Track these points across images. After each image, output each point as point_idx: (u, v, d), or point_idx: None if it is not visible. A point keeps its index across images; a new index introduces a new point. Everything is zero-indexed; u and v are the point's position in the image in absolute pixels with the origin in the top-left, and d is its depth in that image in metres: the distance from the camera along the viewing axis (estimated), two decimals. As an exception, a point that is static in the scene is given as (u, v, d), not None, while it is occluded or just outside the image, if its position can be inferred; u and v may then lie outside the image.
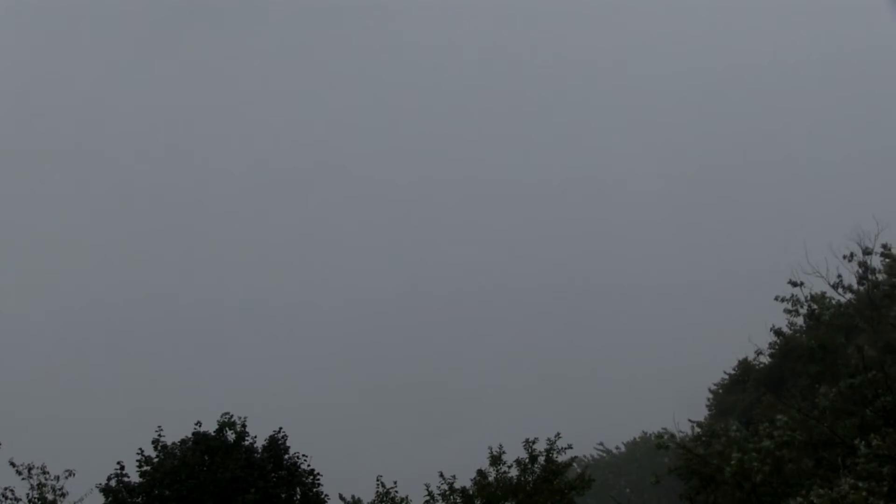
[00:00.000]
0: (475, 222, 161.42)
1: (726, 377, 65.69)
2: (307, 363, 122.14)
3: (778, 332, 40.58)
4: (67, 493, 35.08)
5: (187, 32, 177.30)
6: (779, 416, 32.77)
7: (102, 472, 36.57)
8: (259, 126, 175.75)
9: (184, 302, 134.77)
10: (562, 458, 36.87)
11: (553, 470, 36.58)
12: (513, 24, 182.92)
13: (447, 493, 37.08)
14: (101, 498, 35.87)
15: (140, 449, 36.57)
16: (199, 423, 37.61)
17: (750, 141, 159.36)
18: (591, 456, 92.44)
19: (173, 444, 37.05)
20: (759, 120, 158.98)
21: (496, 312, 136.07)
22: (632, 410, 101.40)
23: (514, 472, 36.97)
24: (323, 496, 37.97)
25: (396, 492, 37.73)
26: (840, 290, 41.05)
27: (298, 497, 37.24)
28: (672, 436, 43.44)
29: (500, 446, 37.50)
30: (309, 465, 38.06)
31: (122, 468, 36.24)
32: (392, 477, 37.93)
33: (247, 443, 37.63)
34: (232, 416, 37.90)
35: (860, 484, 27.79)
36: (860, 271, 43.63)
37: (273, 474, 37.20)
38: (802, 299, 40.16)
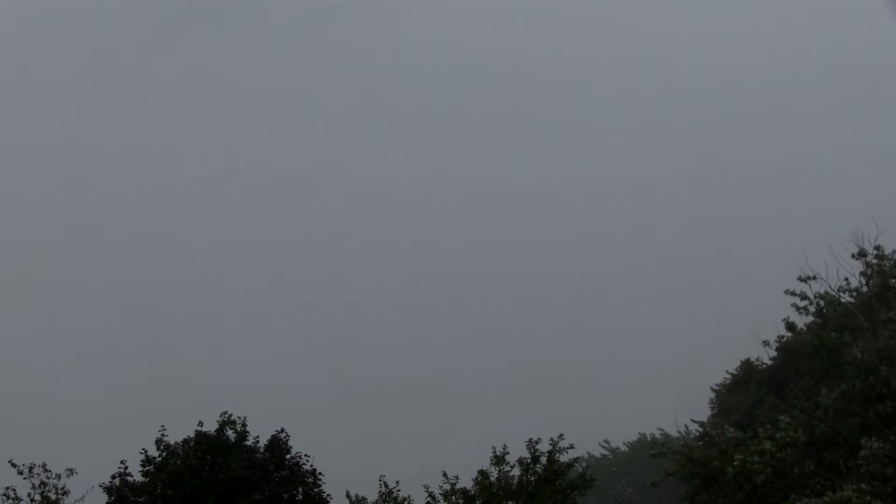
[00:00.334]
0: (475, 222, 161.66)
1: (728, 377, 65.78)
2: (307, 363, 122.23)
3: (790, 326, 40.45)
4: (69, 491, 35.12)
5: (187, 32, 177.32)
6: (781, 417, 32.71)
7: (102, 470, 36.70)
8: (259, 126, 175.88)
9: (184, 302, 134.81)
10: (564, 458, 36.89)
11: (555, 470, 36.61)
12: (513, 24, 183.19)
13: (448, 493, 37.10)
14: (102, 497, 35.92)
15: (143, 449, 36.64)
16: (200, 423, 37.66)
17: (750, 141, 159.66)
18: (596, 455, 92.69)
19: (176, 443, 37.08)
20: (759, 120, 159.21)
21: (496, 312, 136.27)
22: (632, 410, 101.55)
23: (516, 472, 37.02)
24: (325, 496, 38.00)
25: (399, 491, 37.78)
26: (844, 293, 40.96)
27: (300, 497, 37.26)
28: (664, 444, 43.30)
29: (504, 447, 37.54)
30: (311, 465, 38.12)
31: (126, 467, 36.30)
32: (392, 477, 38.00)
33: (249, 443, 37.66)
34: (231, 415, 37.97)
35: (863, 486, 27.75)
36: (863, 272, 43.58)
37: (275, 474, 37.23)
38: (812, 296, 40.06)
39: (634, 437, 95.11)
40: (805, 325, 44.71)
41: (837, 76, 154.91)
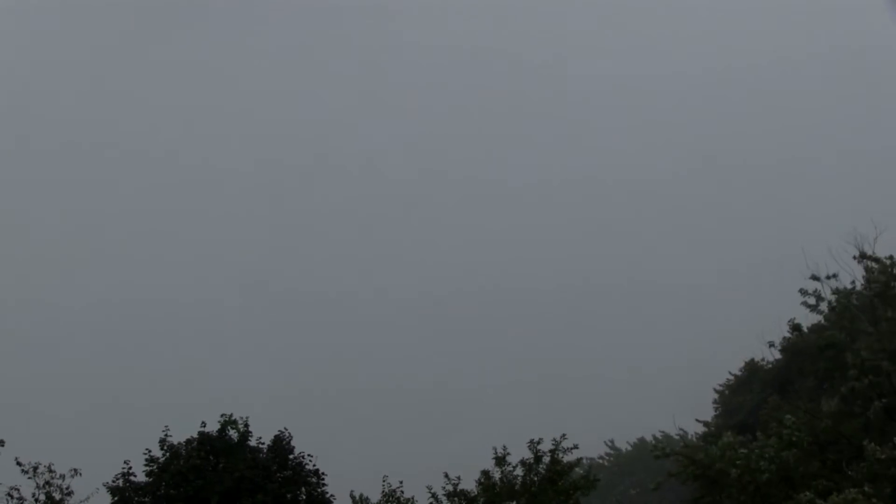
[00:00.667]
0: (475, 222, 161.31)
1: (731, 378, 65.84)
2: (307, 363, 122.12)
3: (795, 327, 40.42)
4: (73, 492, 35.12)
5: (187, 32, 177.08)
6: (787, 416, 32.79)
7: (101, 470, 36.67)
8: (258, 126, 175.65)
9: (184, 302, 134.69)
10: (568, 459, 36.89)
11: (558, 470, 36.61)
12: (513, 24, 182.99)
13: (451, 494, 37.12)
14: (106, 497, 35.93)
15: (147, 449, 36.65)
16: (203, 424, 37.70)
17: (750, 141, 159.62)
18: (600, 455, 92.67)
19: (179, 444, 37.09)
20: (759, 120, 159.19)
21: (496, 312, 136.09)
22: (632, 410, 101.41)
23: (518, 472, 37.03)
24: (328, 497, 38.00)
25: (402, 492, 37.79)
26: (851, 295, 40.99)
27: (304, 497, 37.28)
28: (665, 446, 43.34)
29: (505, 447, 37.55)
30: (314, 465, 38.15)
31: (130, 467, 36.31)
32: (392, 476, 38.06)
33: (252, 443, 37.67)
34: (232, 415, 37.98)
35: (866, 488, 27.81)
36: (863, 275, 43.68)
37: (278, 475, 37.25)
38: (826, 294, 40.06)
39: (634, 438, 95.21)
40: (807, 327, 44.84)
41: (837, 76, 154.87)
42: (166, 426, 37.26)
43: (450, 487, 37.22)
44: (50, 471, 34.98)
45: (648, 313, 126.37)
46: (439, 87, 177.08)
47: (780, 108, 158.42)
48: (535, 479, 36.56)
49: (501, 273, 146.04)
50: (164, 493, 35.52)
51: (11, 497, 34.50)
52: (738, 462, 31.80)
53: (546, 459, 36.79)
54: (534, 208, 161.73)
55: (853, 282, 41.00)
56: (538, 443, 37.15)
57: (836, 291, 38.99)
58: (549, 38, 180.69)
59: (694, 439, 63.08)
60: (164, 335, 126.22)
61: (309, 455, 38.21)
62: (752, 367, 60.22)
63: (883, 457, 30.29)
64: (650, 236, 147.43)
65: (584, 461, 44.94)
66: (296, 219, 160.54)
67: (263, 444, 37.92)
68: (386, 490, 37.72)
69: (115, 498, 35.53)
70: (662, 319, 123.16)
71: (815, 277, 40.27)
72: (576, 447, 37.03)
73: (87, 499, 35.38)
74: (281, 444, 37.99)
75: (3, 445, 33.69)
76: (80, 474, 35.30)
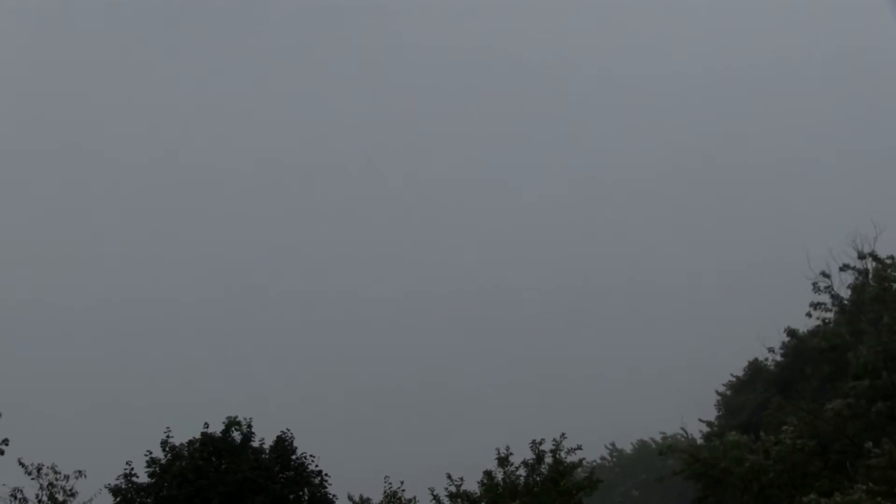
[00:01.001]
0: (475, 222, 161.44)
1: (733, 378, 65.88)
2: (307, 363, 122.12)
3: (791, 333, 40.49)
4: (77, 492, 35.02)
5: (187, 32, 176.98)
6: (790, 419, 32.84)
7: (100, 470, 36.64)
8: (258, 126, 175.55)
9: (184, 302, 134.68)
10: (570, 459, 36.88)
11: (560, 471, 36.60)
12: (513, 24, 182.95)
13: (454, 495, 37.11)
14: (109, 498, 35.89)
15: (148, 451, 36.63)
16: (206, 425, 37.67)
17: (750, 141, 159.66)
18: (602, 457, 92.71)
19: (181, 444, 37.08)
20: (759, 120, 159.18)
21: (496, 312, 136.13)
22: (632, 410, 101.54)
23: (521, 473, 37.02)
24: (331, 497, 37.99)
25: (403, 491, 37.79)
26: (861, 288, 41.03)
27: (307, 498, 37.26)
28: (670, 446, 43.40)
29: (507, 447, 37.54)
30: (317, 466, 38.11)
31: (132, 468, 36.29)
32: (392, 477, 38.06)
33: (254, 444, 37.65)
34: (237, 417, 37.98)
35: (873, 487, 27.84)
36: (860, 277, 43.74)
37: (281, 475, 37.23)
38: (835, 288, 40.10)
39: (635, 438, 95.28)
40: (808, 330, 44.96)
41: (837, 76, 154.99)
42: (168, 427, 37.28)
43: (452, 488, 37.19)
44: (54, 472, 34.85)
45: (648, 313, 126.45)
46: (439, 87, 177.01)
47: (780, 108, 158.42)
48: (538, 479, 36.56)
49: (501, 273, 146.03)
50: (167, 494, 35.48)
51: (15, 498, 34.34)
52: (746, 464, 31.81)
53: (548, 460, 36.77)
54: (533, 208, 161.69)
55: (857, 278, 41.07)
56: (540, 443, 37.15)
57: (850, 286, 39.04)
58: (549, 38, 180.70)
59: (697, 439, 63.26)
60: (164, 335, 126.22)
61: (311, 455, 38.23)
62: (755, 367, 60.24)
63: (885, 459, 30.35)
64: (650, 236, 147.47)
65: (587, 463, 45.01)
66: (296, 219, 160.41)
67: (265, 444, 37.87)
68: (387, 491, 37.70)
69: (118, 499, 35.51)
70: (662, 319, 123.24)
71: (825, 274, 40.33)
72: (579, 447, 37.02)
73: (91, 500, 35.30)
74: (283, 445, 37.97)
75: (7, 444, 33.54)
76: (85, 475, 35.16)
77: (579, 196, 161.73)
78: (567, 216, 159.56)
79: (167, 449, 36.74)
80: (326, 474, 38.15)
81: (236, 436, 37.56)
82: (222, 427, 37.65)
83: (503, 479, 36.95)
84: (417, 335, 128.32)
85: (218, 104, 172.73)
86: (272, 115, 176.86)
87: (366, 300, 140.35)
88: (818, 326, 42.47)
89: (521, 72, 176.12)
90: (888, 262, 39.87)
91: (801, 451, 31.72)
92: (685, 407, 73.99)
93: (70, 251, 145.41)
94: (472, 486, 37.50)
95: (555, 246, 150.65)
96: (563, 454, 36.76)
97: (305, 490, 37.50)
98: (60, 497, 34.47)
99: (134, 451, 37.27)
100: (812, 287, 40.05)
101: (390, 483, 37.75)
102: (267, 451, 37.77)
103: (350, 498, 39.53)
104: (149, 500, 35.64)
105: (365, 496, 40.09)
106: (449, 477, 37.37)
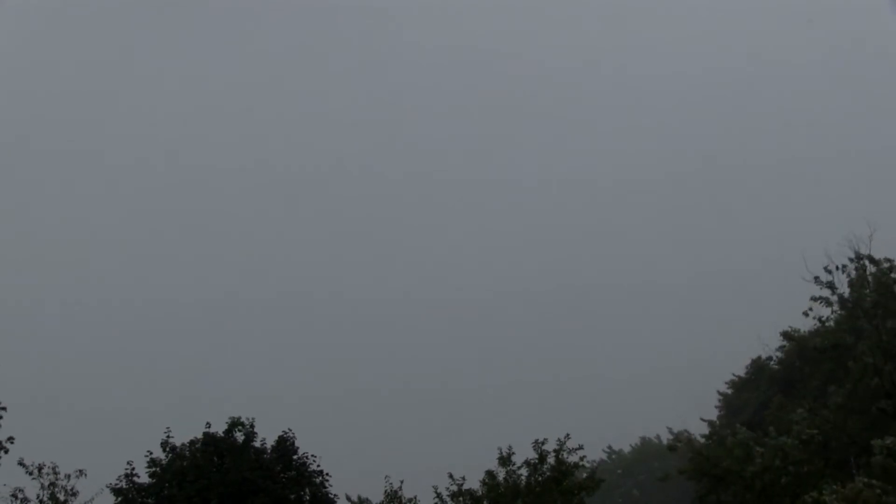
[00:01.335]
0: (475, 223, 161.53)
1: (735, 377, 65.90)
2: (307, 363, 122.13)
3: (788, 336, 40.54)
4: (78, 492, 35.02)
5: (187, 32, 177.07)
6: (799, 410, 32.89)
7: (100, 470, 36.64)
8: (259, 126, 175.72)
9: (184, 302, 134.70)
10: (573, 459, 36.92)
11: (562, 470, 36.64)
12: (513, 24, 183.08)
13: (456, 494, 37.15)
14: (110, 498, 35.90)
15: (148, 451, 36.64)
16: (208, 425, 37.68)
17: (750, 141, 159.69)
18: (601, 458, 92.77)
19: (182, 444, 37.08)
20: (759, 120, 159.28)
21: (496, 312, 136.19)
22: (632, 410, 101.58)
23: (523, 472, 37.07)
24: (332, 497, 37.99)
25: (402, 492, 37.82)
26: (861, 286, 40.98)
27: (308, 498, 37.25)
28: (677, 442, 43.40)
29: (510, 447, 37.59)
30: (318, 466, 38.11)
31: (133, 468, 36.30)
32: (393, 477, 38.09)
33: (256, 444, 37.65)
34: (240, 417, 38.01)
35: (874, 482, 27.91)
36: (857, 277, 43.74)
37: (282, 475, 37.21)
38: (838, 284, 40.08)
39: (635, 437, 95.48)
40: (807, 331, 44.97)
41: (837, 76, 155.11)
42: (168, 427, 37.27)
43: (454, 488, 37.23)
44: (55, 472, 34.85)
45: (648, 313, 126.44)
46: (439, 87, 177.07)
47: (780, 108, 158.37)
48: (540, 479, 36.59)
49: (501, 273, 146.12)
50: (167, 494, 35.48)
51: (16, 498, 34.32)
52: (756, 460, 31.81)
53: (550, 459, 36.81)
54: (533, 208, 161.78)
55: (856, 278, 41.07)
56: (542, 443, 37.18)
57: (850, 284, 39.06)
58: (550, 39, 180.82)
59: (699, 438, 63.15)
60: (164, 335, 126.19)
61: (313, 455, 38.22)
62: (758, 365, 60.29)
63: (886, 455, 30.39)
64: (650, 236, 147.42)
65: (589, 463, 45.04)
66: (295, 219, 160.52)
67: (266, 444, 37.87)
68: (388, 490, 37.73)
69: (119, 499, 35.51)
70: (662, 319, 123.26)
71: (827, 270, 40.27)
72: (580, 447, 37.07)
73: (92, 500, 35.33)
74: (285, 445, 37.97)
75: (12, 442, 33.52)
76: (86, 475, 35.16)
77: (579, 196, 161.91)
78: (567, 216, 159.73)
79: (167, 449, 36.74)
80: (327, 474, 38.16)
81: (239, 436, 37.55)
82: (225, 427, 37.66)
83: (505, 478, 36.98)
84: (417, 335, 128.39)
85: (218, 105, 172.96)
86: (272, 115, 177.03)
87: (366, 300, 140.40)
88: (818, 328, 42.51)
89: (521, 72, 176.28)
90: (885, 265, 39.95)
91: (807, 446, 31.78)
92: (685, 407, 74.13)
93: (70, 251, 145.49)
94: (472, 485, 37.58)
95: (555, 246, 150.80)
96: (565, 454, 36.82)
97: (307, 490, 37.49)
98: (61, 497, 34.51)
99: (134, 451, 37.31)
100: (814, 280, 40.05)
101: (390, 483, 37.82)
102: (269, 452, 37.76)
103: (348, 498, 39.55)
104: (150, 500, 35.62)
105: (364, 496, 40.10)
106: (450, 476, 37.42)
